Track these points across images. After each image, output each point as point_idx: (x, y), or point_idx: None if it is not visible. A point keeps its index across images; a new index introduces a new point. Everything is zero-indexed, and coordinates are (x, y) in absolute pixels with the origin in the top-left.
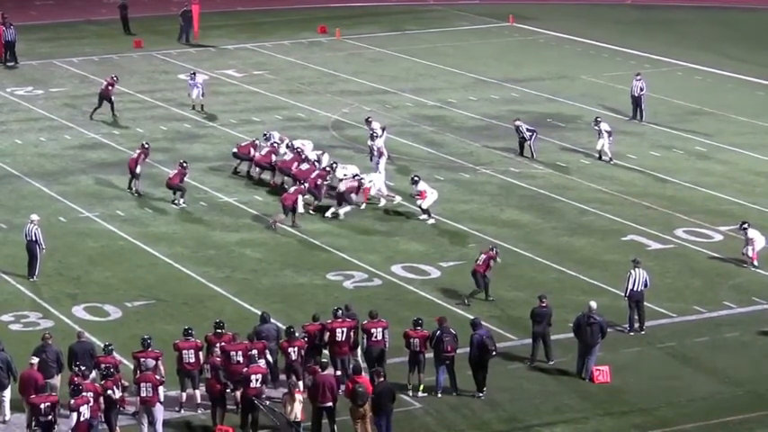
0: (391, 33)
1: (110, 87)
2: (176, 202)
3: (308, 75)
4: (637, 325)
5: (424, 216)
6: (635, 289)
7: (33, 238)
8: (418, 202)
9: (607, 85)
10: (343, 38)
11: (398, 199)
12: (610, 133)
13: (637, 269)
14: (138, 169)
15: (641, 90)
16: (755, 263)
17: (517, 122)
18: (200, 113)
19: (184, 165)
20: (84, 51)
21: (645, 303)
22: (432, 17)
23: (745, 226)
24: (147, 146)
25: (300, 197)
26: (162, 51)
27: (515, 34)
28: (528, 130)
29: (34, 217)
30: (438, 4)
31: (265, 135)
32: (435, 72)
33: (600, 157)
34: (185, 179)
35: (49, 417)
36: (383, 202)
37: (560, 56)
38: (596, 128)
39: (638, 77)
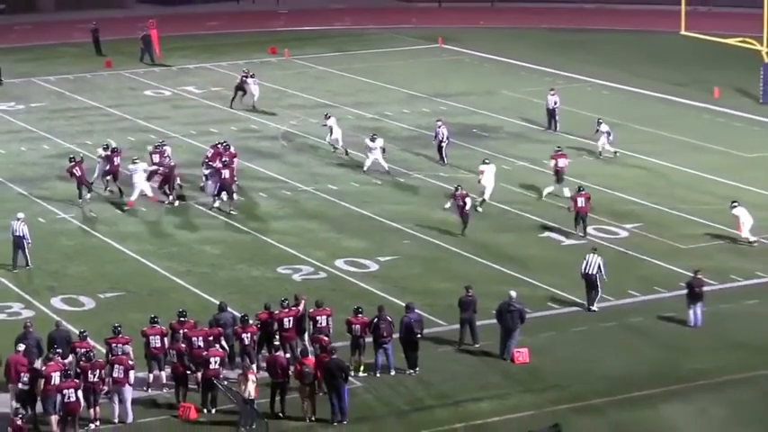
0: (334, 54)
1: (245, 79)
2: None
3: (260, 91)
4: (591, 304)
5: (479, 204)
6: (588, 272)
7: (21, 234)
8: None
9: (525, 99)
10: (291, 58)
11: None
12: (609, 133)
13: (592, 255)
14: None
15: (555, 104)
16: (744, 237)
17: (439, 123)
18: (258, 112)
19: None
20: (60, 70)
21: (561, 292)
22: (370, 39)
23: (735, 205)
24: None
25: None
26: (129, 70)
27: (444, 54)
28: (447, 137)
29: (20, 215)
30: (376, 28)
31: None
32: (373, 88)
33: (600, 155)
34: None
35: (26, 387)
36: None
37: (483, 73)
38: (598, 128)
39: (553, 92)
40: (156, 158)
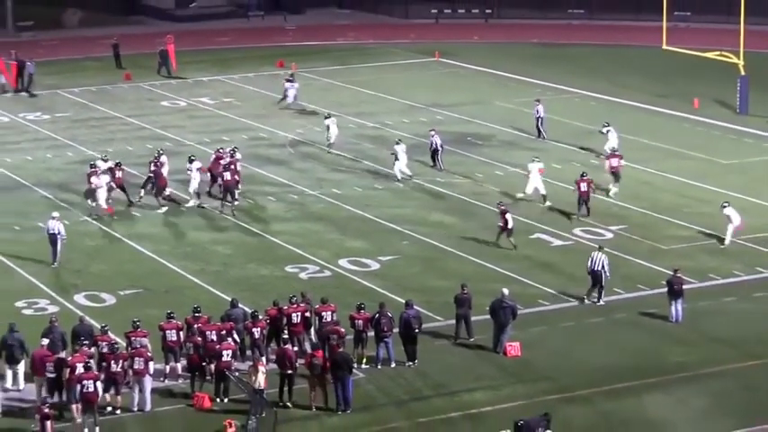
0: (338, 67)
1: (287, 83)
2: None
3: (269, 101)
4: (593, 298)
5: (543, 202)
6: (594, 268)
7: (56, 231)
8: (537, 180)
9: (517, 110)
10: (298, 71)
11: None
12: (608, 131)
13: (598, 252)
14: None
15: (537, 113)
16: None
17: (432, 133)
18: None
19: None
20: (83, 83)
21: (551, 290)
22: (371, 53)
23: (726, 205)
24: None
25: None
26: (147, 83)
27: (440, 68)
28: (441, 145)
29: (56, 214)
30: (377, 42)
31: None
32: (374, 99)
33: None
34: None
35: (53, 375)
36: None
37: (477, 85)
38: (606, 129)
39: (537, 102)
40: (153, 167)
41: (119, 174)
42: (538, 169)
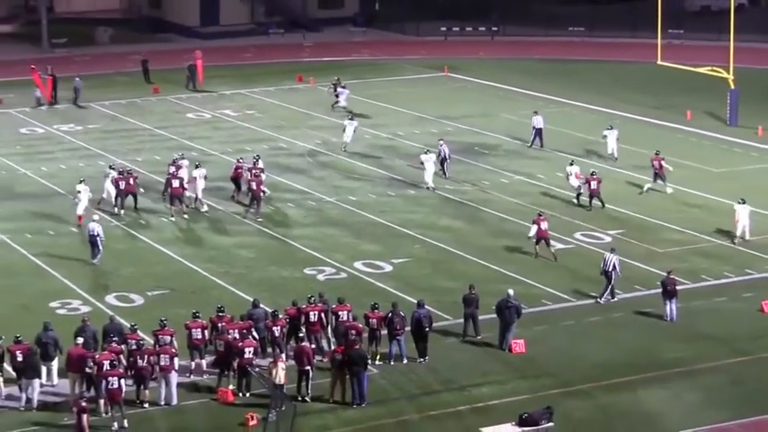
0: (354, 81)
1: (337, 88)
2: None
3: (288, 114)
4: (608, 296)
5: (576, 198)
6: (607, 269)
7: (96, 233)
8: (574, 182)
9: (521, 121)
10: (316, 85)
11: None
12: (605, 136)
13: (609, 254)
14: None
15: (535, 123)
16: (739, 234)
17: (441, 142)
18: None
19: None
20: (113, 96)
21: (554, 290)
22: (384, 68)
23: (740, 202)
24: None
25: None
26: (174, 96)
27: (449, 82)
28: (449, 154)
29: (96, 217)
30: (389, 58)
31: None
32: (387, 111)
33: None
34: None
35: (91, 370)
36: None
37: (484, 98)
38: (607, 132)
39: (536, 114)
40: (172, 170)
41: (130, 181)
42: (575, 173)
